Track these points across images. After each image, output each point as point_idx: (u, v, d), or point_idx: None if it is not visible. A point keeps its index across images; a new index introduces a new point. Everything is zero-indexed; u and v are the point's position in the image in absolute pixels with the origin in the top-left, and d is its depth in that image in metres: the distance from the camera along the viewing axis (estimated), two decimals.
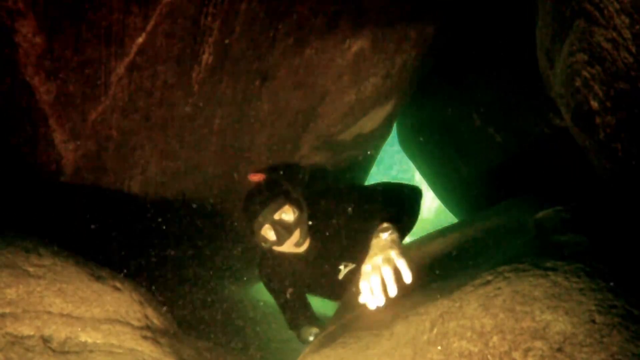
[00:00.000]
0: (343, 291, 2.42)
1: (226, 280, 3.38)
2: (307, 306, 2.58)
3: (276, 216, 2.14)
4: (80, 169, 2.14)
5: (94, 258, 1.99)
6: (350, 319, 1.93)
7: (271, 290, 2.56)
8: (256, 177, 2.38)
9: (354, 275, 2.30)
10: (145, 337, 1.68)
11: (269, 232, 2.18)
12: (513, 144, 2.79)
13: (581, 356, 0.97)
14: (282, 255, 2.37)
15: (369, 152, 3.47)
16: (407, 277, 1.57)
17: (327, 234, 2.31)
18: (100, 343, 1.57)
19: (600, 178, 1.45)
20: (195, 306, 2.75)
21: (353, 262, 2.37)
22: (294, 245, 2.21)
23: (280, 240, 2.15)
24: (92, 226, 2.27)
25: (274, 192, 2.19)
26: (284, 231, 2.13)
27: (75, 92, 1.85)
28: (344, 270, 2.41)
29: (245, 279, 3.59)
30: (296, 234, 2.18)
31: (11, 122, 1.89)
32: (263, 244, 2.20)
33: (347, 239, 2.31)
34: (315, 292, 2.59)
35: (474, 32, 2.95)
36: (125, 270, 2.05)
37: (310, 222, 2.24)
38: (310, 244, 2.30)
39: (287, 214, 2.17)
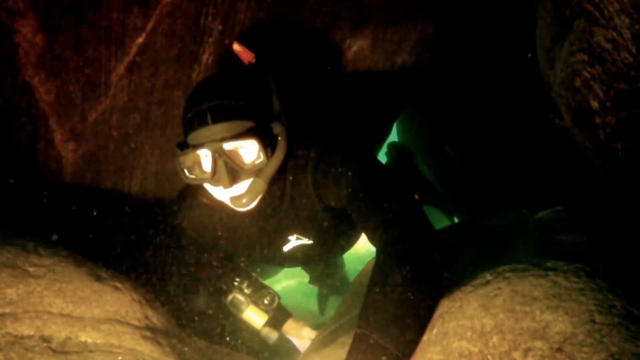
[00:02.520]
0: (284, 261, 2.00)
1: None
2: (242, 273, 2.04)
3: (229, 145, 1.45)
4: (80, 168, 2.14)
5: (93, 258, 1.99)
6: (350, 319, 1.93)
7: (190, 243, 1.91)
8: (241, 51, 1.73)
9: (304, 251, 1.91)
10: (145, 337, 1.68)
11: (204, 160, 1.51)
12: (513, 144, 2.79)
13: (581, 356, 0.97)
14: (209, 200, 1.71)
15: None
16: None
17: (291, 202, 1.67)
18: (100, 343, 1.56)
19: (600, 178, 1.45)
20: (195, 306, 2.75)
21: (308, 239, 1.84)
22: (234, 199, 1.52)
23: (217, 180, 1.47)
24: (92, 226, 2.27)
25: (246, 105, 1.48)
26: (227, 172, 1.44)
27: (75, 92, 1.85)
28: (293, 242, 1.86)
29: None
30: (244, 186, 1.51)
31: (11, 122, 1.89)
32: (186, 173, 1.53)
33: (317, 218, 1.74)
34: (242, 254, 2.00)
35: (474, 32, 2.95)
36: (124, 270, 2.05)
37: (275, 178, 1.56)
38: (260, 205, 1.59)
39: (248, 153, 1.49)
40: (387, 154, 3.61)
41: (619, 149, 1.24)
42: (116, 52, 1.80)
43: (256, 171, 1.50)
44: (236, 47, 1.78)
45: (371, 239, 1.48)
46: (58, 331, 1.53)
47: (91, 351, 1.52)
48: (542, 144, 2.52)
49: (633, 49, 1.12)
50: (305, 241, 1.86)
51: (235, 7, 1.90)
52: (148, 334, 1.72)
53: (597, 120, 1.28)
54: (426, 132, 3.90)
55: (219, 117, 1.45)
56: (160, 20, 1.78)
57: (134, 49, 1.82)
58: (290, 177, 1.64)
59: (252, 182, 1.51)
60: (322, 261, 2.38)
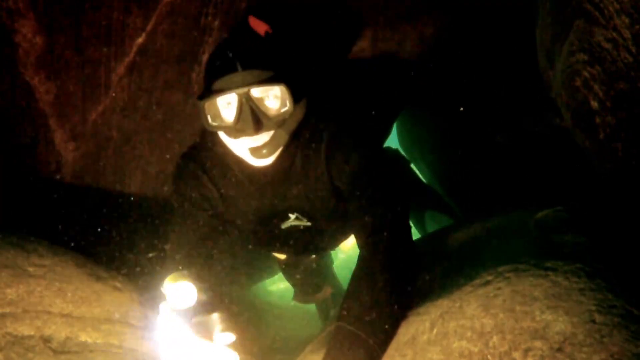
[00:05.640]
0: (276, 241, 1.96)
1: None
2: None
3: (258, 92, 1.44)
4: (80, 168, 2.14)
5: (94, 257, 1.99)
6: None
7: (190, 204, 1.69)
8: (257, 24, 1.67)
9: (299, 235, 1.90)
10: (145, 337, 1.68)
11: (228, 108, 1.48)
12: (513, 144, 2.79)
13: (581, 356, 0.97)
14: (226, 157, 1.64)
15: None
16: None
17: (300, 171, 1.65)
18: (100, 343, 1.56)
19: (600, 178, 1.45)
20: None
21: (307, 220, 1.83)
22: (254, 149, 1.49)
23: (241, 128, 1.44)
24: (92, 225, 2.27)
25: (275, 56, 1.49)
26: (253, 119, 1.41)
27: (75, 92, 1.85)
28: (291, 221, 1.83)
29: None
30: (266, 137, 1.48)
31: (11, 122, 1.89)
32: (210, 122, 1.49)
33: (320, 197, 1.72)
34: (236, 227, 1.87)
35: (475, 32, 2.95)
36: (125, 270, 2.05)
37: (295, 135, 1.55)
38: (277, 162, 1.57)
39: (276, 100, 1.47)
40: None
41: (619, 149, 1.24)
42: (116, 52, 1.80)
43: (280, 121, 1.48)
44: (252, 20, 1.70)
45: (357, 235, 1.53)
46: (58, 331, 1.53)
47: (91, 351, 1.52)
48: (542, 144, 2.52)
49: (633, 49, 1.12)
50: (304, 222, 1.84)
51: (236, 7, 1.90)
52: (148, 334, 1.72)
53: (597, 120, 1.28)
54: (426, 132, 3.90)
55: (249, 63, 1.44)
56: (160, 20, 1.78)
57: (134, 49, 1.82)
58: (303, 146, 1.63)
59: (275, 132, 1.49)
60: (312, 254, 2.30)
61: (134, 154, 2.22)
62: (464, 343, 1.15)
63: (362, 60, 2.50)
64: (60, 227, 2.15)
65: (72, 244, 2.01)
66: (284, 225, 1.85)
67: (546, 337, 1.04)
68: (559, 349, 1.00)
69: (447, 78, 3.27)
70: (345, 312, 1.34)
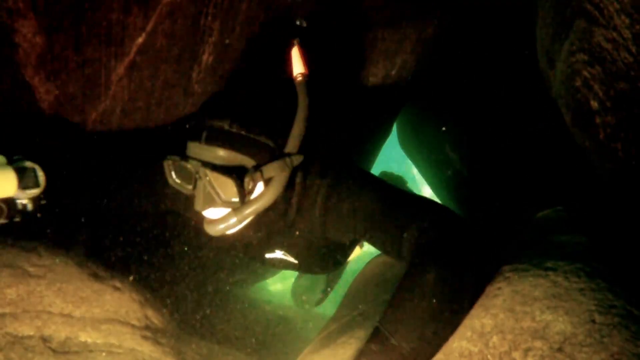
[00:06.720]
0: (261, 262, 1.91)
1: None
2: None
3: (209, 173, 1.38)
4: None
5: (95, 257, 1.99)
6: (350, 320, 1.93)
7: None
8: (298, 59, 1.57)
9: (285, 265, 1.85)
10: (145, 337, 1.68)
11: (184, 181, 1.49)
12: (512, 143, 2.79)
13: (581, 356, 0.97)
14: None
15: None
16: None
17: (291, 225, 1.62)
18: (100, 343, 1.56)
19: (600, 178, 1.45)
20: (195, 305, 2.76)
21: (294, 259, 1.79)
22: (207, 221, 1.48)
23: (193, 198, 1.45)
24: (96, 226, 2.27)
25: (249, 137, 1.41)
26: (204, 195, 1.41)
27: (75, 92, 1.85)
28: (277, 254, 1.81)
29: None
30: (221, 213, 1.46)
31: (11, 122, 1.89)
32: (174, 179, 1.52)
33: (311, 247, 1.71)
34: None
35: (475, 32, 2.95)
36: (126, 271, 2.05)
37: (277, 202, 1.48)
38: (250, 229, 1.55)
39: (227, 188, 1.40)
40: None
41: (619, 149, 1.24)
42: (116, 52, 1.80)
43: (233, 206, 1.43)
44: (295, 52, 1.60)
45: (394, 249, 1.40)
46: (58, 331, 1.53)
47: (91, 351, 1.52)
48: (543, 144, 2.52)
49: (633, 49, 1.12)
50: (290, 259, 1.80)
51: (236, 7, 1.90)
52: (148, 334, 1.72)
53: (597, 120, 1.28)
54: (426, 133, 3.90)
55: (214, 140, 1.39)
56: (160, 20, 1.77)
57: (134, 49, 1.81)
58: (296, 203, 1.56)
59: (229, 214, 1.43)
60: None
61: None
62: (464, 343, 1.15)
63: (361, 62, 2.50)
64: (60, 229, 2.15)
65: (72, 245, 2.01)
66: (269, 255, 1.82)
67: (546, 337, 1.04)
68: (559, 349, 1.00)
69: (447, 78, 3.27)
70: (390, 316, 1.22)
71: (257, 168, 1.41)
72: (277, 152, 1.46)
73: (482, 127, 3.04)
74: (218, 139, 1.39)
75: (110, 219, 2.29)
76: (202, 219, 1.52)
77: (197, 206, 1.43)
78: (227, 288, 3.28)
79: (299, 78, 1.60)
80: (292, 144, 1.48)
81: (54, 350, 1.47)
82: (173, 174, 1.50)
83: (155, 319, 1.85)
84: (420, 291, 1.19)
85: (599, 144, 1.31)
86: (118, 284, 1.84)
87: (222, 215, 1.44)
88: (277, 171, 1.43)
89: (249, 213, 1.42)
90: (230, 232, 1.46)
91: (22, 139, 1.91)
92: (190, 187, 1.46)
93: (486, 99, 2.96)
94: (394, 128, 4.33)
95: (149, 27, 1.78)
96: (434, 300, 1.17)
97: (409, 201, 1.46)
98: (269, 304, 3.75)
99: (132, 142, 2.01)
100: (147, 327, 1.76)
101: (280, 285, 4.74)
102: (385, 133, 3.46)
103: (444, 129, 3.50)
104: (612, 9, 1.15)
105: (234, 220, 1.42)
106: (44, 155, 1.64)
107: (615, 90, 1.20)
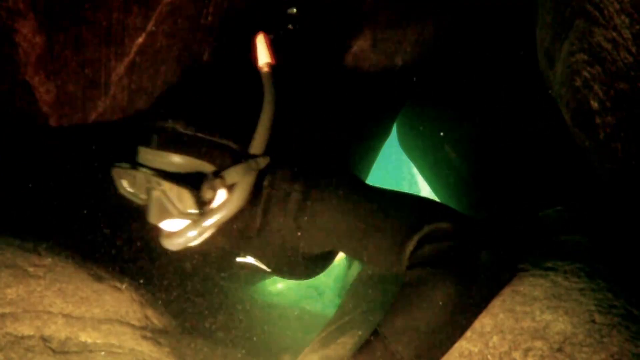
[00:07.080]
0: (229, 269, 1.76)
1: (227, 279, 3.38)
2: None
3: (162, 183, 1.22)
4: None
5: (95, 257, 1.99)
6: (350, 320, 1.93)
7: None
8: (261, 48, 1.40)
9: (256, 268, 1.70)
10: (145, 337, 1.68)
11: (137, 189, 1.31)
12: (512, 143, 2.79)
13: (581, 356, 0.97)
14: None
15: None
16: None
17: (259, 234, 1.45)
18: (100, 343, 1.56)
19: (600, 178, 1.45)
20: (195, 306, 2.76)
21: (267, 267, 1.64)
22: (164, 234, 1.34)
23: (146, 214, 1.29)
24: (96, 228, 2.27)
25: (207, 139, 1.25)
26: (157, 207, 1.25)
27: (75, 92, 1.85)
28: (247, 260, 1.67)
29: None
30: (180, 225, 1.32)
31: (11, 122, 1.89)
32: (126, 188, 1.34)
33: (283, 255, 1.51)
34: None
35: (475, 31, 2.95)
36: (126, 271, 2.05)
37: (242, 210, 1.32)
38: (210, 241, 1.39)
39: (183, 198, 1.23)
40: None
41: (619, 149, 1.24)
42: (116, 52, 1.80)
43: (191, 218, 1.27)
44: (260, 40, 1.46)
45: (387, 260, 1.26)
46: (58, 331, 1.53)
47: (91, 351, 1.52)
48: (543, 144, 2.52)
49: (633, 49, 1.12)
50: (262, 266, 1.65)
51: (236, 7, 1.90)
52: (148, 334, 1.72)
53: (597, 120, 1.28)
54: (426, 133, 3.89)
55: (166, 144, 1.22)
56: (161, 20, 1.78)
57: (134, 49, 1.81)
58: (263, 210, 1.39)
59: (187, 227, 1.29)
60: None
61: None
62: (464, 343, 1.15)
63: (361, 62, 2.50)
64: (60, 230, 2.15)
65: (73, 246, 2.01)
66: (240, 260, 1.68)
67: (546, 337, 1.04)
68: (559, 349, 1.00)
69: (447, 78, 3.27)
70: (389, 321, 1.14)
71: (217, 174, 1.25)
72: (240, 154, 1.30)
73: (482, 127, 3.04)
74: (171, 143, 1.23)
75: (110, 219, 2.29)
76: (159, 231, 1.36)
77: (152, 218, 1.27)
78: (226, 286, 3.28)
79: (265, 69, 1.43)
80: (257, 144, 1.31)
81: (54, 350, 1.47)
82: (123, 182, 1.32)
83: (155, 319, 1.85)
84: (430, 302, 1.09)
85: (599, 144, 1.31)
86: (118, 284, 1.84)
87: (180, 228, 1.30)
88: (240, 176, 1.27)
89: (211, 225, 1.28)
90: (192, 244, 1.32)
91: (22, 139, 1.91)
92: (144, 196, 1.29)
93: (486, 99, 2.96)
94: (394, 128, 4.33)
95: (149, 27, 1.78)
96: (446, 314, 1.09)
97: (405, 205, 1.31)
98: (269, 304, 3.75)
99: (132, 141, 2.00)
100: (147, 327, 1.76)
101: (280, 285, 4.75)
102: (385, 133, 3.45)
103: (443, 131, 3.50)
104: (612, 9, 1.15)
105: (193, 233, 1.28)
106: (43, 155, 1.64)
107: (615, 90, 1.20)
